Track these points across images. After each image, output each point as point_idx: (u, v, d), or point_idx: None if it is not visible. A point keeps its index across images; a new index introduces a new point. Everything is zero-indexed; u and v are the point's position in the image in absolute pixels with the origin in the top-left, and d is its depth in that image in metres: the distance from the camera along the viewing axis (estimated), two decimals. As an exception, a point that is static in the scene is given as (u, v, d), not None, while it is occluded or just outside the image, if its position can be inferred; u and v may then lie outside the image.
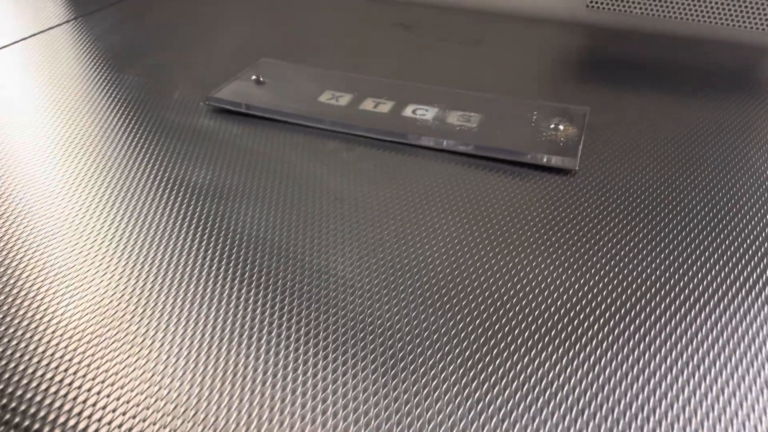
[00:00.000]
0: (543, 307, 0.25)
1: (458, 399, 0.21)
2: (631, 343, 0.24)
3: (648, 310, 0.25)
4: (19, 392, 0.22)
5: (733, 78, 0.46)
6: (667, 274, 0.27)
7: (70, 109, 0.40)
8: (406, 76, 0.45)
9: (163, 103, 0.41)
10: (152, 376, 0.22)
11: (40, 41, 0.51)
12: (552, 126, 0.37)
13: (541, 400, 0.21)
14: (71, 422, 0.21)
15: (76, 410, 0.21)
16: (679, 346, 0.24)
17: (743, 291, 0.26)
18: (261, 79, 0.42)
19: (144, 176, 0.34)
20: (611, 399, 0.22)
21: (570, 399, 0.22)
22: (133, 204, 0.31)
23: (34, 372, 0.22)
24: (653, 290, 0.26)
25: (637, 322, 0.25)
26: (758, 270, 0.28)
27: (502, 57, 0.50)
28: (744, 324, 0.25)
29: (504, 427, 0.21)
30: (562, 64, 0.49)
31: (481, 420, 0.21)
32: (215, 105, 0.40)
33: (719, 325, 0.25)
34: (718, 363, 0.23)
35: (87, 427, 0.20)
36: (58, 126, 0.38)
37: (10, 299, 0.25)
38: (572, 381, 0.22)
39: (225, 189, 0.33)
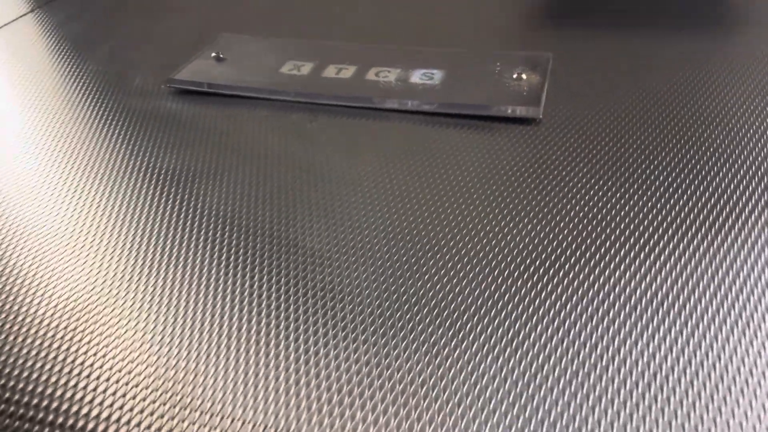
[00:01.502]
0: (515, 258, 0.26)
1: (429, 358, 0.22)
2: (596, 290, 0.24)
3: (616, 256, 0.26)
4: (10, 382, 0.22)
5: (698, 7, 0.46)
6: (634, 218, 0.27)
7: (35, 104, 0.40)
8: (366, 37, 0.44)
9: (126, 89, 0.41)
10: (135, 356, 0.23)
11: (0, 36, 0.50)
12: (515, 76, 0.37)
13: (512, 355, 0.22)
14: (55, 404, 0.21)
15: (62, 393, 0.21)
16: (643, 290, 0.24)
17: (711, 233, 0.27)
18: (221, 55, 0.42)
19: (112, 164, 0.33)
20: (582, 350, 0.22)
21: (539, 352, 0.22)
22: (102, 192, 0.31)
23: (20, 359, 0.23)
24: (621, 236, 0.27)
25: (605, 269, 0.25)
26: (727, 208, 0.28)
27: (462, 6, 0.49)
28: (713, 264, 0.25)
29: (473, 380, 0.21)
30: (523, 9, 0.48)
31: (452, 375, 0.21)
32: (177, 87, 0.40)
33: (687, 268, 0.25)
34: (683, 304, 0.23)
35: (75, 409, 0.21)
36: (25, 120, 0.38)
37: (-16, 302, 0.26)
38: (543, 334, 0.23)
39: (192, 170, 0.33)
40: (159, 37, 0.48)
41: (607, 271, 0.25)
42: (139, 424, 0.21)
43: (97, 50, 0.46)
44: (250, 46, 0.44)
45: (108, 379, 0.22)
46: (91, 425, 0.21)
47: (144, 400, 0.21)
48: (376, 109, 0.36)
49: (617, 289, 0.24)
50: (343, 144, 0.34)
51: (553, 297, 0.24)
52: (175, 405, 0.21)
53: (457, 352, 0.22)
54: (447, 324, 0.23)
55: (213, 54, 0.42)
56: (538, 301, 0.24)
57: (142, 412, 0.21)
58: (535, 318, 0.23)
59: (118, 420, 0.21)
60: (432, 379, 0.21)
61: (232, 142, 0.35)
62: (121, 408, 0.21)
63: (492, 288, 0.24)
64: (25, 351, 0.23)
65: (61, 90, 0.41)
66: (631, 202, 0.28)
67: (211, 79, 0.40)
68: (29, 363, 0.23)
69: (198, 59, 0.42)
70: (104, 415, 0.21)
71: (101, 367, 0.23)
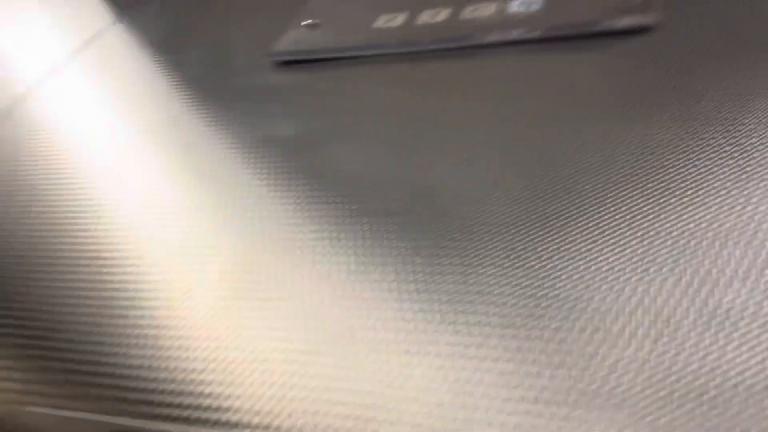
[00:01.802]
0: (648, 180, 0.25)
1: (571, 268, 0.22)
2: (733, 204, 0.23)
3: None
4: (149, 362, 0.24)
5: None
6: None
7: (147, 103, 0.42)
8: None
9: (229, 69, 0.42)
10: (280, 323, 0.24)
11: (96, 49, 0.53)
12: (620, -14, 0.35)
13: (645, 254, 0.21)
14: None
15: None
16: None
17: None
18: (315, 21, 0.42)
19: (234, 140, 0.35)
20: (697, 275, 0.21)
21: (666, 259, 0.21)
22: (231, 170, 0.33)
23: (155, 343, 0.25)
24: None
25: (749, 183, 0.24)
26: None
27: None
28: None
29: (601, 287, 0.21)
30: None
31: (591, 287, 0.21)
32: (278, 59, 0.41)
33: None
34: None
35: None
36: (146, 117, 0.40)
37: (159, 275, 0.28)
38: (660, 249, 0.22)
39: (311, 136, 0.33)
40: (248, 13, 0.49)
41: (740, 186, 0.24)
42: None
43: (193, 38, 0.48)
44: (340, 8, 0.44)
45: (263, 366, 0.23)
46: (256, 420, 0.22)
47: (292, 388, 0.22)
48: (479, 47, 0.36)
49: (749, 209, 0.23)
50: (451, 86, 0.34)
51: (685, 215, 0.23)
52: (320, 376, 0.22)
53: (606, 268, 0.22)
54: (587, 248, 0.23)
55: (306, 22, 0.43)
56: (673, 215, 0.23)
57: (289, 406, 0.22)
58: (658, 229, 0.22)
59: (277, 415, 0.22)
60: (585, 292, 0.21)
61: (341, 103, 0.35)
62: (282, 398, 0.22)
63: (622, 208, 0.24)
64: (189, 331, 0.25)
65: (170, 82, 0.43)
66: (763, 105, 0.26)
67: (309, 46, 0.40)
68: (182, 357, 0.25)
69: (293, 29, 0.43)
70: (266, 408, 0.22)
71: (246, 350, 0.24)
